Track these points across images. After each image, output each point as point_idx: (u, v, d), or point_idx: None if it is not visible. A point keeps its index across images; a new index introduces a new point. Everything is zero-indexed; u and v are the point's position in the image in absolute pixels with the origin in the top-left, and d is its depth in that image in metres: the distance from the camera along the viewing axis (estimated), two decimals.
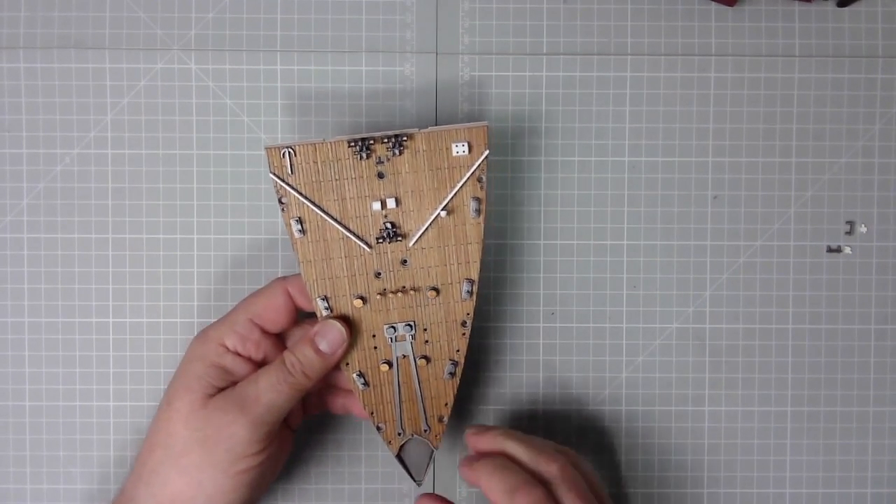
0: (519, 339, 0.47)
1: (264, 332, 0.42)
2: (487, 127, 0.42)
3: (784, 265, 0.47)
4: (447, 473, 0.47)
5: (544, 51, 0.47)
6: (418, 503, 0.42)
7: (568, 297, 0.47)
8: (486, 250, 0.47)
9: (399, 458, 0.44)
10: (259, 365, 0.42)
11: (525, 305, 0.47)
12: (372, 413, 0.43)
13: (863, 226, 0.47)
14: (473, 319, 0.43)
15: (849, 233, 0.47)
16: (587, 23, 0.47)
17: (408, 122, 0.47)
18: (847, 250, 0.47)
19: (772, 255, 0.47)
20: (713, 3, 0.47)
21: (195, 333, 0.46)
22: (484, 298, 0.47)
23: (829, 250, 0.47)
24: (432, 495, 0.42)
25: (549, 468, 0.39)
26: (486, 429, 0.43)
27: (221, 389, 0.41)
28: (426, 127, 0.42)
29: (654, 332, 0.47)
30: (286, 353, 0.41)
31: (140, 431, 0.47)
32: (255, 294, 0.43)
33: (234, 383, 0.41)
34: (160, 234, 0.47)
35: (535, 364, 0.47)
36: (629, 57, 0.47)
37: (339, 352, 0.42)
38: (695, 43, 0.47)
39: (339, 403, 0.45)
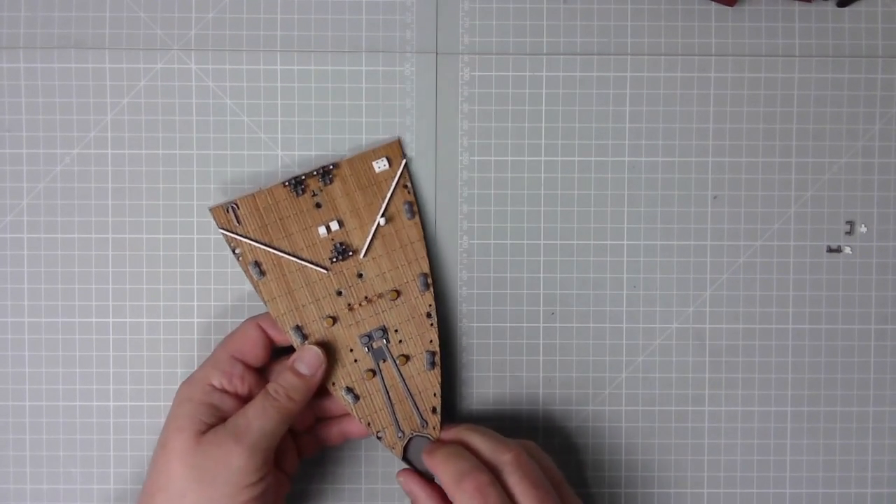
0: (519, 339, 0.47)
1: (247, 366, 0.43)
2: (400, 140, 0.46)
3: (784, 265, 0.47)
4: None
5: (544, 51, 0.47)
6: (399, 476, 0.44)
7: (568, 297, 0.47)
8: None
9: (406, 459, 0.44)
10: (245, 400, 0.43)
11: (525, 305, 0.47)
12: (369, 424, 0.44)
13: (863, 226, 0.47)
14: (437, 309, 0.45)
15: (849, 233, 0.47)
16: (587, 23, 0.47)
17: (408, 122, 0.47)
18: (847, 250, 0.47)
19: (772, 255, 0.47)
20: (713, 3, 0.47)
21: (195, 333, 0.47)
22: (484, 298, 0.47)
23: (830, 250, 0.47)
24: (409, 471, 0.44)
25: (504, 457, 0.41)
26: (455, 424, 0.44)
27: (212, 427, 0.41)
28: (347, 155, 0.46)
29: (654, 332, 0.47)
30: (269, 384, 0.43)
31: (140, 431, 0.47)
32: (231, 334, 0.44)
33: (223, 419, 0.41)
34: (160, 235, 0.47)
35: (535, 364, 0.47)
36: (629, 57, 0.47)
37: (319, 372, 0.43)
38: (695, 43, 0.47)
39: (335, 432, 0.45)
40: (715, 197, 0.47)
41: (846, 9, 0.47)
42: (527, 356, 0.47)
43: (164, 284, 0.47)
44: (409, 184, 0.46)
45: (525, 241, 0.47)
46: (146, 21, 0.47)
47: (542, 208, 0.47)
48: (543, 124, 0.47)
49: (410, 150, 0.47)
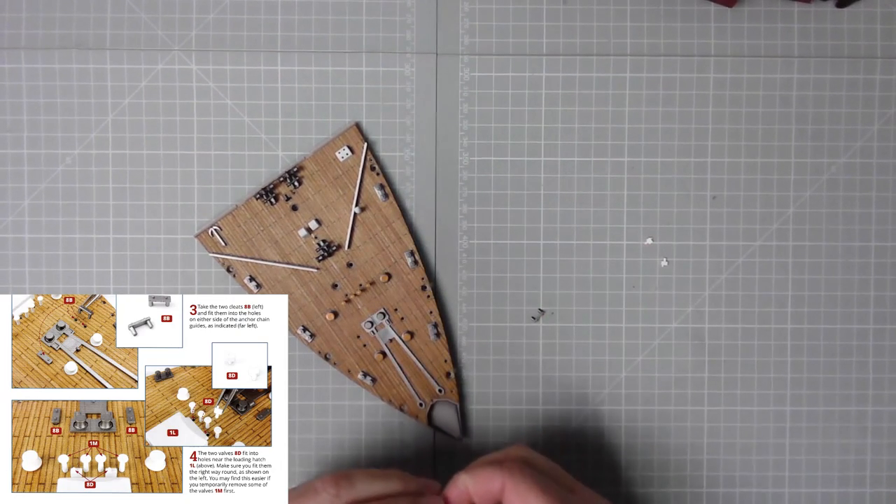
0: (519, 339, 0.47)
1: None
2: (357, 124, 0.46)
3: (783, 265, 0.47)
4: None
5: (544, 51, 0.47)
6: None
7: (568, 297, 0.47)
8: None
9: (432, 426, 0.46)
10: None
11: (525, 305, 0.47)
12: (390, 400, 0.46)
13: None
14: (431, 281, 0.46)
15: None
16: (587, 23, 0.47)
17: (408, 122, 0.47)
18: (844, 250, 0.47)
19: (771, 255, 0.47)
20: (713, 3, 0.47)
21: None
22: (484, 298, 0.47)
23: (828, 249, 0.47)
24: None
25: (494, 486, 0.38)
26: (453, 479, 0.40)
27: None
28: (309, 153, 0.46)
29: (653, 332, 0.47)
30: None
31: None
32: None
33: None
34: (161, 235, 0.47)
35: (535, 364, 0.47)
36: (629, 57, 0.47)
37: None
38: (694, 43, 0.47)
39: None
40: (714, 197, 0.47)
41: (845, 9, 0.47)
42: (527, 356, 0.47)
43: (164, 284, 0.47)
44: (375, 165, 0.46)
45: (525, 241, 0.47)
46: (147, 22, 0.47)
47: (542, 208, 0.47)
48: (543, 125, 0.47)
49: (410, 150, 0.47)
